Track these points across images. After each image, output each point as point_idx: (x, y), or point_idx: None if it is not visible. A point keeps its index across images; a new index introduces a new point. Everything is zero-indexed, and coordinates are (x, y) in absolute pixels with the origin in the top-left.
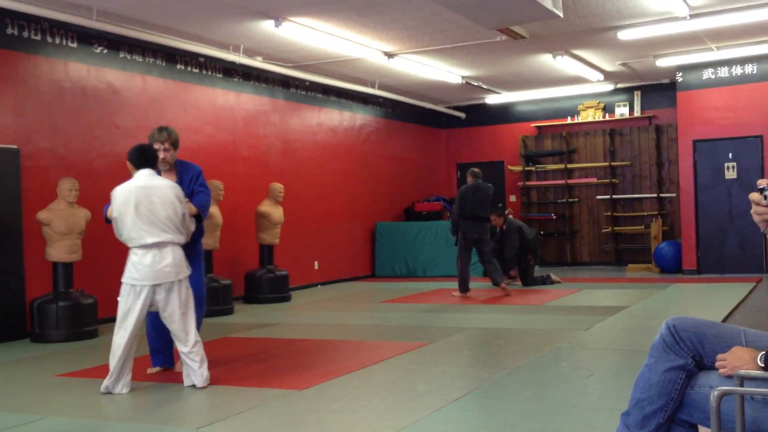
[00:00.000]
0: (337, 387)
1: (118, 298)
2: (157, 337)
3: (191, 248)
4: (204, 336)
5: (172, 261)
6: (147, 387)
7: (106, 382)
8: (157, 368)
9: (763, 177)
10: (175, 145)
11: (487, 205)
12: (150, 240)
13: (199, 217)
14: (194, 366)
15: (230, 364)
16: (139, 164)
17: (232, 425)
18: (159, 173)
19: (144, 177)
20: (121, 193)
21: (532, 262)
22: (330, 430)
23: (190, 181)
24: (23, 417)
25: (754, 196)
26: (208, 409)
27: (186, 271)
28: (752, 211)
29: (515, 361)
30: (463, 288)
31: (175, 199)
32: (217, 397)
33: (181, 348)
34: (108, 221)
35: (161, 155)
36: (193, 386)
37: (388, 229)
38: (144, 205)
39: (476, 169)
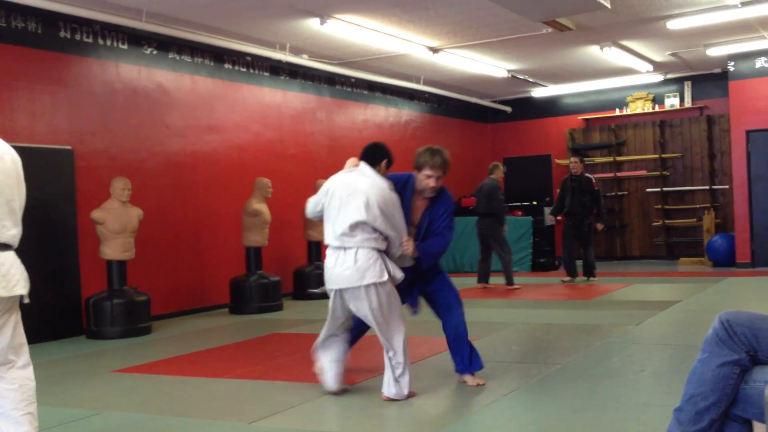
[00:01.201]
0: None
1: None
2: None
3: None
4: (254, 332)
5: (353, 264)
6: (199, 382)
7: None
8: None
9: None
10: (446, 171)
11: (488, 201)
12: (333, 243)
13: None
14: (388, 374)
15: (280, 360)
16: (364, 159)
17: (284, 419)
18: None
19: (354, 172)
20: (330, 184)
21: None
22: (380, 425)
23: (439, 217)
24: (81, 412)
25: None
26: (260, 403)
27: (376, 276)
28: None
29: (565, 357)
30: (480, 279)
31: (363, 206)
32: (269, 391)
33: (384, 353)
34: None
35: (432, 183)
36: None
37: None
38: (344, 202)
39: (491, 164)
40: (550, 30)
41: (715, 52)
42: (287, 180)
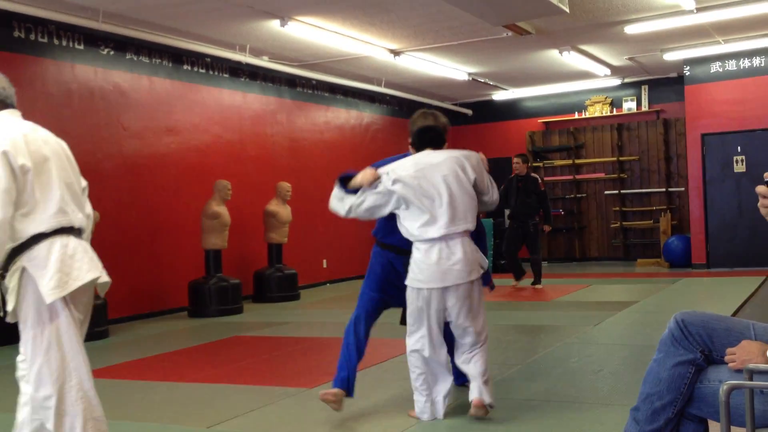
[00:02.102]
0: None
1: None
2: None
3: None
4: (213, 335)
5: (463, 257)
6: (157, 386)
7: (421, 408)
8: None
9: None
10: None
11: None
12: (434, 234)
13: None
14: (478, 379)
15: (240, 363)
16: (420, 146)
17: (242, 424)
18: None
19: (424, 155)
20: (404, 172)
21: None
22: (340, 428)
23: None
24: None
25: (761, 189)
26: (220, 407)
27: (479, 268)
28: (759, 204)
29: (524, 358)
30: None
31: (460, 174)
32: (227, 395)
33: (458, 355)
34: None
35: None
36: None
37: None
38: (425, 189)
39: None
40: (509, 34)
41: (671, 56)
42: (247, 182)
